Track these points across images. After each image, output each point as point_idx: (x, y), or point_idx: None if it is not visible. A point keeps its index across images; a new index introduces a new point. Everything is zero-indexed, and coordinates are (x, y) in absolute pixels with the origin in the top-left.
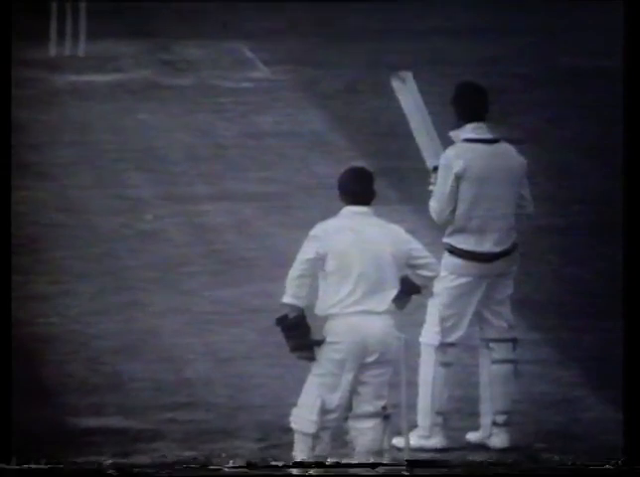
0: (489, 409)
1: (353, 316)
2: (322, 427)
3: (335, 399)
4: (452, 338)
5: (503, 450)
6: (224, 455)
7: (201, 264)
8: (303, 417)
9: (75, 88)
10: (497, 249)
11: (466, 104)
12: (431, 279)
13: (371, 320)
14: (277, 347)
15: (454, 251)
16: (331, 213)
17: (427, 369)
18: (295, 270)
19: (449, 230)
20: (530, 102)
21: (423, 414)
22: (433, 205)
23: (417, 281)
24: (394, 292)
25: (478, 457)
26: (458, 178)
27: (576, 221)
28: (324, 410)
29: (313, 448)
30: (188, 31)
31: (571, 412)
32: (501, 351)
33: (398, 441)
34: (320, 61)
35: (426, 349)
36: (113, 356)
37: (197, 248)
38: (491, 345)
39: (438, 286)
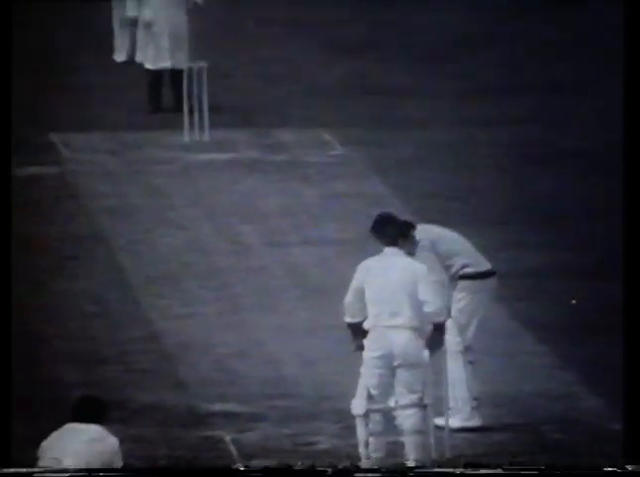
0: (468, 397)
1: (383, 329)
2: (370, 410)
3: (377, 389)
4: (470, 342)
5: (515, 430)
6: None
7: (292, 292)
8: (356, 402)
9: (202, 164)
10: (487, 268)
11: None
12: (431, 316)
13: (396, 332)
14: (348, 353)
15: (465, 276)
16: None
17: (459, 369)
18: (348, 297)
19: (459, 269)
20: (536, 176)
21: (463, 402)
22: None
23: (424, 319)
24: (415, 313)
25: (499, 437)
26: (435, 254)
27: (579, 261)
28: (370, 396)
29: (366, 425)
30: (283, 121)
31: (570, 403)
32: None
33: (439, 421)
34: (381, 142)
35: (454, 354)
36: (230, 359)
37: (289, 280)
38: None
39: (458, 305)
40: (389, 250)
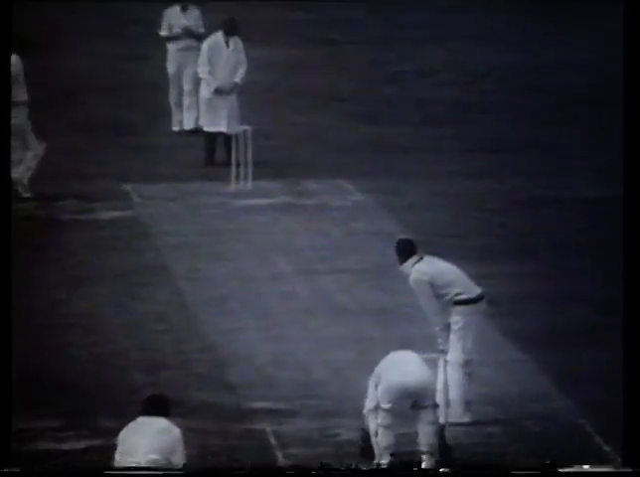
0: (461, 400)
1: (400, 358)
2: (375, 407)
3: (389, 405)
4: (470, 355)
5: (502, 424)
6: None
7: (320, 312)
8: (366, 403)
9: (245, 208)
10: (477, 294)
11: (406, 248)
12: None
13: (411, 365)
14: (366, 361)
15: (460, 302)
16: (398, 279)
17: (457, 378)
18: (369, 386)
19: (453, 297)
20: (521, 218)
21: (456, 404)
22: (432, 318)
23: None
24: (424, 363)
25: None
26: (431, 284)
27: (554, 288)
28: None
29: (375, 418)
30: (311, 173)
31: (547, 403)
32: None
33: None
34: (392, 190)
35: (455, 365)
36: (269, 366)
37: (317, 303)
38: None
39: (455, 327)
40: (395, 355)
